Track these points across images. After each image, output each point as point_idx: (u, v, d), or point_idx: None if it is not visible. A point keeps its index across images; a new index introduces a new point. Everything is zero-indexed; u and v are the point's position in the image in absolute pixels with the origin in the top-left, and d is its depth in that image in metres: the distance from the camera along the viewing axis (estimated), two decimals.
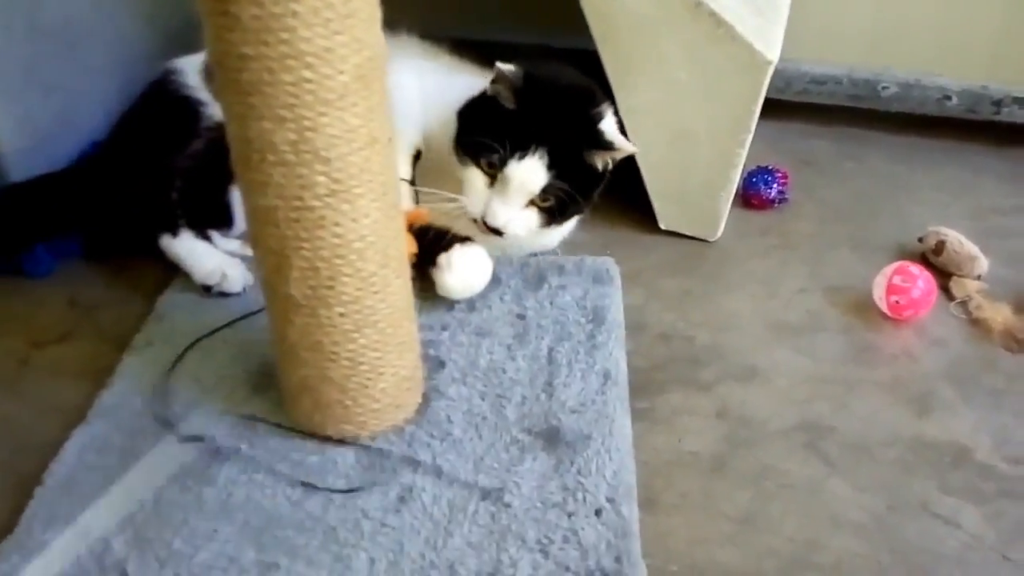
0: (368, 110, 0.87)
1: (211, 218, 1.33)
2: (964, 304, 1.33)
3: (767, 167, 1.58)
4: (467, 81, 1.40)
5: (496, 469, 1.01)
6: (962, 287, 1.35)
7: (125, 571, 0.89)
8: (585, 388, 1.12)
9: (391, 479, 1.00)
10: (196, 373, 1.13)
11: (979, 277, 1.37)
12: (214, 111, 1.31)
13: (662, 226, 1.48)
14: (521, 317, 1.24)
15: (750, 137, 1.38)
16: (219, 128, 1.23)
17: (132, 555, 0.91)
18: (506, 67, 1.23)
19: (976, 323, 1.30)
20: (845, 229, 1.52)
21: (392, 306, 0.98)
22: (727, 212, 1.46)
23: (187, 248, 1.28)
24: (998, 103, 1.74)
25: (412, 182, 1.33)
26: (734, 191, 1.44)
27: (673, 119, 1.37)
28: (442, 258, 1.22)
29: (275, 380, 1.07)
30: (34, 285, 1.33)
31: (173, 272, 1.30)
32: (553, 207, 1.27)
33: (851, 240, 1.49)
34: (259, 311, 1.08)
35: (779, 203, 1.57)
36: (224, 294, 1.27)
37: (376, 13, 0.86)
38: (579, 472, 1.01)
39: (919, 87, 1.76)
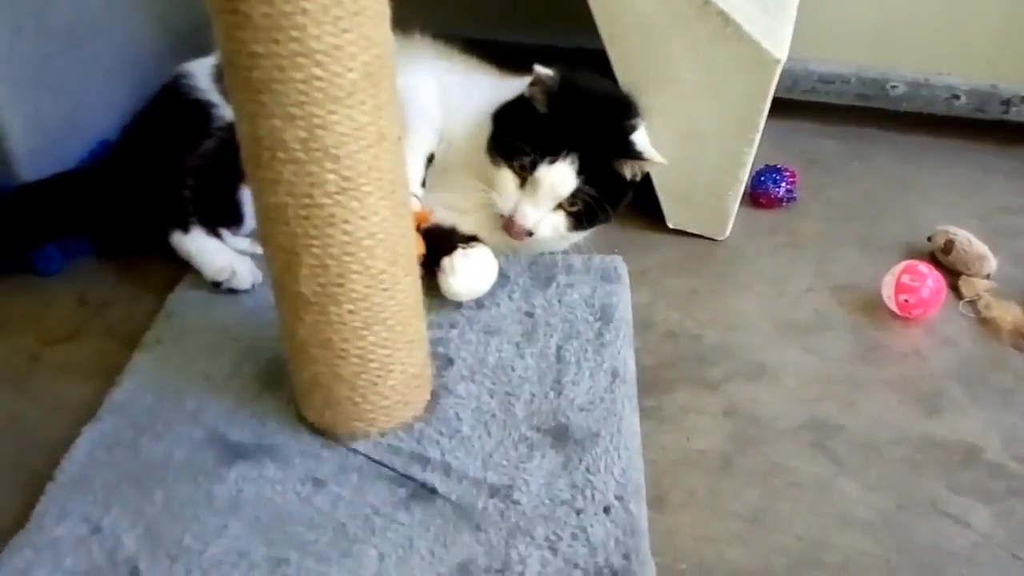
0: (377, 108, 0.87)
1: (222, 216, 1.34)
2: (973, 303, 1.33)
3: (775, 166, 1.58)
4: (487, 82, 1.41)
5: (505, 466, 1.01)
6: (971, 286, 1.35)
7: (136, 567, 0.90)
8: (593, 386, 1.12)
9: (401, 476, 1.00)
10: (207, 370, 1.14)
11: (988, 276, 1.37)
12: (225, 112, 1.33)
13: (670, 225, 1.49)
14: (530, 315, 1.24)
15: (758, 136, 1.37)
16: (230, 128, 1.24)
17: (143, 551, 0.91)
18: (544, 71, 1.25)
19: (985, 322, 1.30)
20: (853, 228, 1.52)
21: (401, 303, 0.98)
22: (735, 211, 1.45)
23: (197, 245, 1.29)
24: (1007, 102, 1.74)
25: (422, 184, 1.33)
26: (742, 190, 1.44)
27: (681, 118, 1.37)
28: (445, 262, 1.23)
29: (285, 377, 1.08)
30: (44, 283, 1.33)
31: (183, 270, 1.31)
32: (581, 212, 1.29)
33: (859, 239, 1.49)
34: None
35: (787, 202, 1.57)
36: (233, 291, 1.27)
37: (385, 11, 0.87)
38: (588, 470, 1.01)
39: (927, 86, 1.76)
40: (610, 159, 1.29)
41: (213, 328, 1.21)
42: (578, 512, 0.96)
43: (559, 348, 1.19)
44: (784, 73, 1.34)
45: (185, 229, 1.29)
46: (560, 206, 1.28)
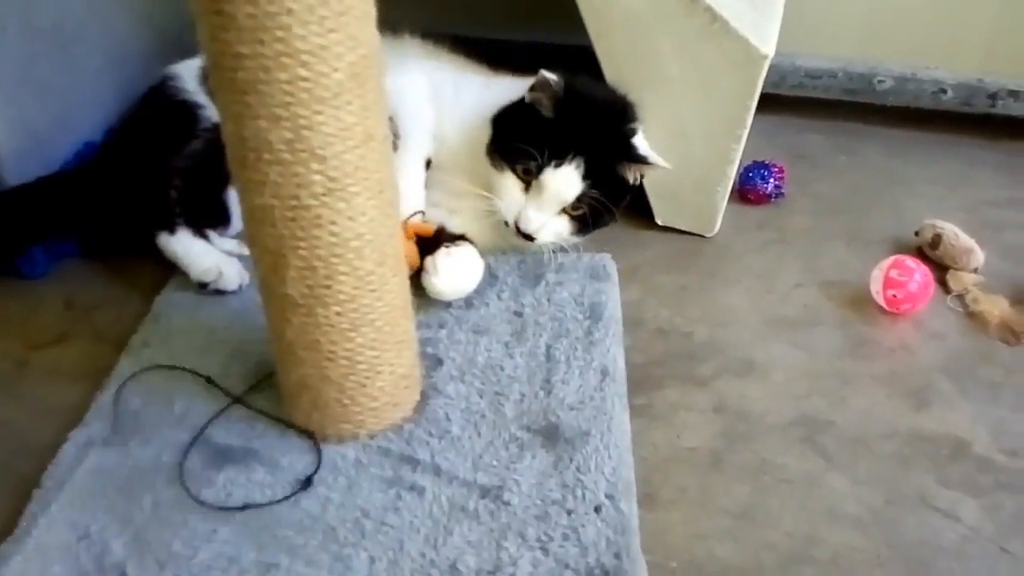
0: (363, 108, 0.87)
1: (208, 217, 1.33)
2: (961, 297, 1.33)
3: (763, 162, 1.58)
4: (478, 81, 1.42)
5: (495, 467, 1.01)
6: (959, 280, 1.35)
7: (125, 572, 0.89)
8: (583, 385, 1.12)
9: (390, 478, 1.00)
10: (194, 372, 1.13)
11: (976, 270, 1.38)
12: (211, 113, 1.32)
13: (659, 222, 1.49)
14: (519, 314, 1.24)
15: (746, 132, 1.38)
16: (216, 130, 1.23)
17: (132, 557, 0.91)
18: (551, 76, 1.25)
19: (973, 316, 1.30)
20: (841, 223, 1.52)
21: (389, 304, 0.98)
22: (724, 207, 1.46)
23: (184, 246, 1.28)
24: (993, 96, 1.75)
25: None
26: (730, 186, 1.44)
27: (669, 115, 1.37)
28: (428, 261, 1.23)
29: (273, 379, 1.07)
30: (30, 286, 1.32)
31: (170, 272, 1.30)
32: (584, 215, 1.29)
33: (847, 234, 1.49)
34: None
35: (775, 198, 1.57)
36: (220, 292, 1.27)
37: (371, 10, 0.86)
38: (578, 469, 1.01)
39: (914, 80, 1.77)
40: (614, 163, 1.30)
41: (201, 330, 1.20)
42: (569, 512, 0.96)
43: (549, 347, 1.18)
44: (771, 68, 1.34)
45: (171, 230, 1.29)
46: (564, 210, 1.29)
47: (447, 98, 1.40)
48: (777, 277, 1.39)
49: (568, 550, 0.92)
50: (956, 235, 1.39)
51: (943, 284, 1.36)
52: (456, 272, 1.24)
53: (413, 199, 1.31)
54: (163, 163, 1.31)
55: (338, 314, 0.95)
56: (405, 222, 1.25)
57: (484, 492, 0.98)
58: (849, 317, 1.31)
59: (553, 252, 1.34)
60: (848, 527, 0.99)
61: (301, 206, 0.88)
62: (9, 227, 1.30)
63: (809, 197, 1.59)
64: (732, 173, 1.43)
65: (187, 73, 1.40)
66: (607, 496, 0.97)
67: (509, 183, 1.29)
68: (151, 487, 0.98)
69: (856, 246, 1.46)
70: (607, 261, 1.35)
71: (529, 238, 1.29)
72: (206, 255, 1.28)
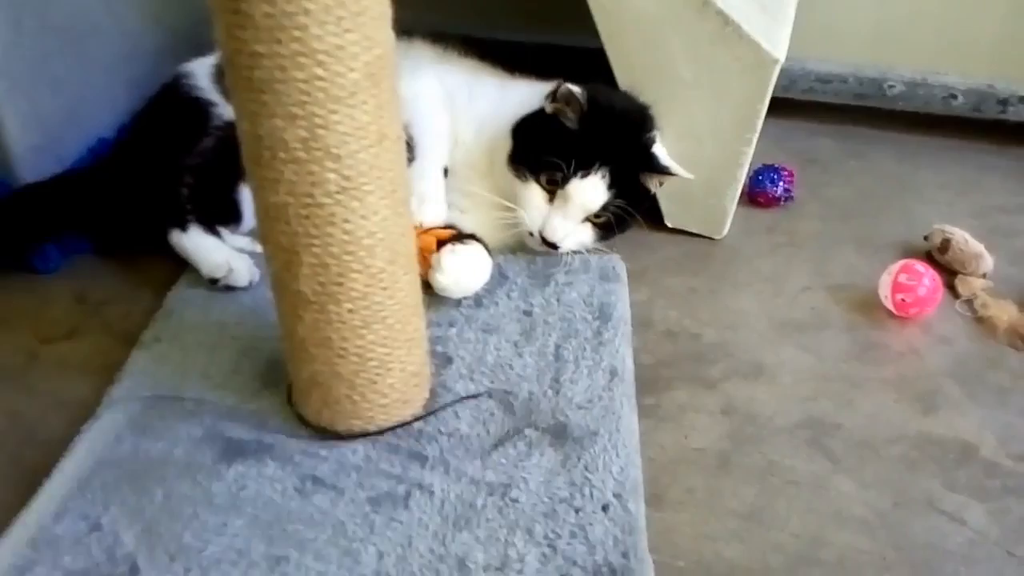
0: (377, 107, 0.87)
1: (220, 214, 1.34)
2: (969, 302, 1.33)
3: (773, 165, 1.58)
4: (492, 83, 1.43)
5: (503, 465, 1.02)
6: (967, 285, 1.35)
7: (135, 565, 0.90)
8: (592, 385, 1.13)
9: (399, 474, 1.00)
10: (206, 369, 1.14)
11: (984, 275, 1.38)
12: (224, 111, 1.33)
13: (668, 224, 1.49)
14: (528, 314, 1.25)
15: (756, 136, 1.38)
16: (228, 127, 1.25)
17: (142, 549, 0.91)
18: (576, 89, 1.26)
19: (981, 321, 1.30)
20: (850, 227, 1.52)
21: (400, 302, 0.99)
22: (733, 210, 1.46)
23: (195, 242, 1.29)
24: (1004, 102, 1.75)
25: None
26: (740, 189, 1.45)
27: (680, 118, 1.38)
28: (433, 258, 1.23)
29: (284, 376, 1.08)
30: (42, 281, 1.33)
31: (181, 268, 1.31)
32: (608, 223, 1.31)
33: (856, 238, 1.49)
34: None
35: (785, 201, 1.57)
36: (231, 288, 1.27)
37: (387, 11, 0.87)
38: (586, 468, 1.01)
39: (925, 86, 1.77)
40: (637, 172, 1.32)
41: (212, 326, 1.21)
42: (577, 510, 0.96)
43: (557, 347, 1.19)
44: (782, 72, 1.34)
45: (183, 227, 1.29)
46: (587, 218, 1.31)
47: (461, 101, 1.41)
48: (786, 280, 1.39)
49: (575, 548, 0.92)
50: (965, 240, 1.40)
51: (952, 289, 1.36)
52: (462, 270, 1.24)
53: (437, 208, 1.31)
54: (175, 161, 1.32)
55: (350, 311, 0.95)
56: (428, 229, 1.26)
57: (492, 489, 0.98)
58: (857, 321, 1.31)
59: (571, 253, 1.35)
60: (855, 529, 0.99)
61: (315, 204, 0.88)
62: (23, 224, 1.31)
63: (819, 201, 1.60)
64: (742, 176, 1.43)
65: (200, 71, 1.41)
66: (615, 495, 0.98)
67: (534, 193, 1.30)
68: (162, 480, 0.99)
69: (865, 250, 1.46)
70: (616, 262, 1.36)
71: (554, 247, 1.31)
72: (217, 252, 1.29)
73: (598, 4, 1.32)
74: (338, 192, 0.88)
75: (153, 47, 1.57)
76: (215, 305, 1.25)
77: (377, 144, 0.89)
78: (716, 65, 1.32)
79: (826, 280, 1.39)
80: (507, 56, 1.52)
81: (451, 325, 1.22)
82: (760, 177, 1.57)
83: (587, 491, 0.98)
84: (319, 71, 0.82)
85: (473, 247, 1.26)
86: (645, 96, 1.37)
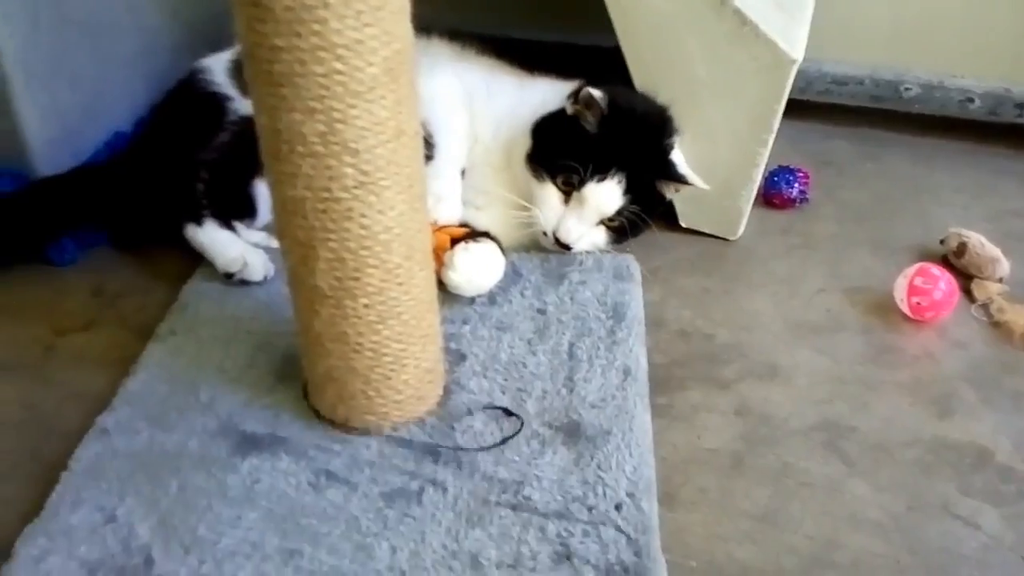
0: (396, 103, 0.87)
1: (236, 209, 1.34)
2: (985, 306, 1.33)
3: (788, 167, 1.58)
4: (510, 82, 1.44)
5: (517, 462, 1.02)
6: (983, 289, 1.35)
7: (150, 556, 0.90)
8: (605, 383, 1.13)
9: (413, 470, 1.00)
10: (221, 363, 1.14)
11: (1001, 279, 1.37)
12: (240, 106, 1.33)
13: (683, 224, 1.49)
14: (542, 312, 1.24)
15: (772, 136, 1.38)
16: (244, 122, 1.25)
17: (157, 540, 0.92)
18: (596, 93, 1.27)
19: (997, 325, 1.30)
20: (866, 229, 1.52)
21: (416, 298, 0.99)
22: (748, 211, 1.46)
23: (211, 237, 1.30)
24: (1021, 105, 1.74)
25: None
26: (755, 190, 1.44)
27: (696, 117, 1.37)
28: (446, 256, 1.23)
29: (300, 370, 1.08)
30: (59, 274, 1.34)
31: (197, 262, 1.31)
32: (622, 226, 1.32)
33: (871, 241, 1.49)
34: None
35: (800, 203, 1.57)
36: (245, 282, 1.28)
37: (406, 6, 0.87)
38: (599, 466, 1.01)
39: (941, 89, 1.76)
40: (654, 179, 1.32)
41: (227, 320, 1.21)
42: (590, 509, 0.96)
43: (571, 345, 1.19)
44: (798, 74, 1.34)
45: (199, 222, 1.30)
46: (601, 221, 1.31)
47: (480, 99, 1.42)
48: (801, 282, 1.39)
49: (588, 546, 0.92)
50: (981, 244, 1.39)
51: (968, 293, 1.35)
52: (474, 268, 1.24)
53: (452, 207, 1.32)
54: (191, 155, 1.32)
55: (366, 306, 0.95)
56: (443, 227, 1.26)
57: (505, 487, 0.98)
58: (873, 324, 1.30)
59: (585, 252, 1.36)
60: (869, 533, 0.99)
61: (332, 199, 0.89)
62: (40, 216, 1.31)
63: (834, 203, 1.59)
64: (757, 177, 1.43)
65: (217, 66, 1.41)
66: (628, 494, 0.98)
67: (549, 194, 1.31)
68: (177, 472, 0.99)
69: (881, 253, 1.45)
70: (630, 262, 1.35)
71: (566, 248, 1.32)
72: (232, 246, 1.29)
73: (615, 3, 1.32)
74: (355, 187, 0.88)
75: (171, 42, 1.57)
76: (230, 299, 1.26)
77: (395, 139, 0.89)
78: (733, 65, 1.32)
79: (841, 282, 1.39)
80: (524, 55, 1.52)
81: (465, 322, 1.22)
82: (775, 178, 1.56)
83: (600, 490, 0.98)
84: (338, 65, 0.82)
85: (486, 245, 1.26)
86: (661, 96, 1.37)
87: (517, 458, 1.02)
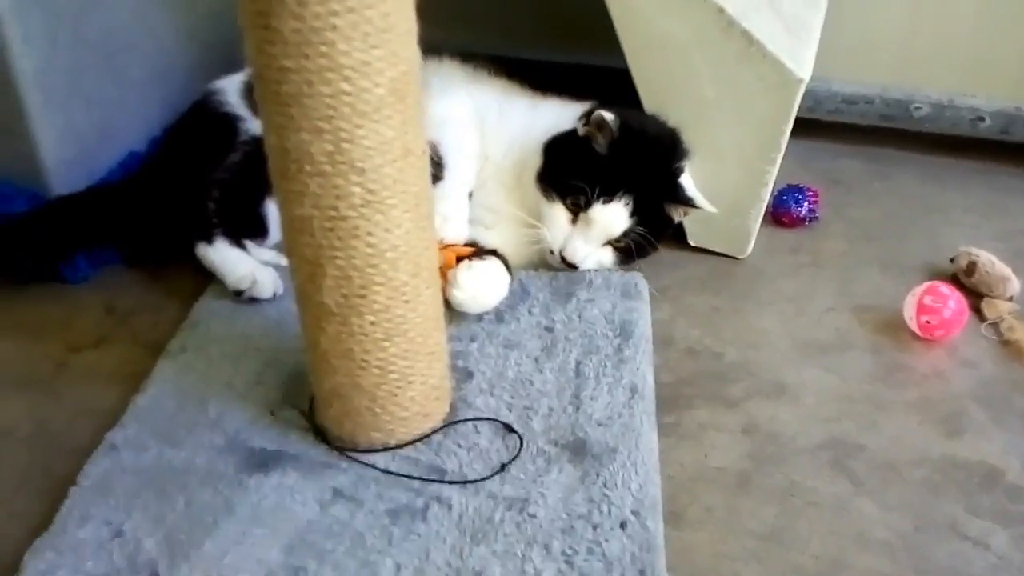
0: (403, 123, 0.88)
1: (246, 228, 1.35)
2: (995, 325, 1.32)
3: (798, 185, 1.58)
4: (522, 104, 1.45)
5: (522, 480, 1.02)
6: (994, 308, 1.34)
7: (156, 572, 0.91)
8: (612, 401, 1.13)
9: (418, 487, 1.01)
10: (229, 379, 1.15)
11: (1011, 298, 1.36)
12: (251, 126, 1.35)
13: (691, 242, 1.49)
14: (549, 330, 1.25)
15: (780, 155, 1.38)
16: (256, 142, 1.26)
17: (163, 555, 0.92)
18: (608, 116, 1.28)
19: (1007, 344, 1.29)
20: (875, 248, 1.52)
21: (422, 315, 0.99)
22: (757, 230, 1.46)
23: (221, 255, 1.31)
24: None
25: None
26: (764, 209, 1.45)
27: (704, 137, 1.38)
28: (450, 274, 1.24)
29: (307, 387, 1.09)
30: (72, 291, 1.36)
31: (208, 280, 1.32)
32: (628, 248, 1.33)
33: (881, 259, 1.48)
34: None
35: (809, 221, 1.57)
36: (255, 299, 1.29)
37: (413, 28, 0.88)
38: (605, 485, 1.01)
39: (952, 108, 1.76)
40: (662, 201, 1.33)
41: (237, 337, 1.22)
42: (594, 527, 0.96)
43: (578, 363, 1.19)
44: (808, 93, 1.34)
45: (209, 240, 1.31)
46: (608, 242, 1.32)
47: (491, 119, 1.43)
48: (810, 301, 1.39)
49: (593, 564, 0.92)
50: (992, 263, 1.38)
51: (978, 312, 1.35)
52: (478, 286, 1.25)
53: (459, 227, 1.33)
54: (203, 175, 1.34)
55: (372, 324, 0.96)
56: (448, 246, 1.27)
57: (510, 504, 0.98)
58: (882, 342, 1.30)
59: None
60: (876, 552, 0.98)
61: (339, 217, 0.90)
62: (54, 234, 1.33)
63: (844, 222, 1.59)
64: (766, 196, 1.43)
65: (230, 87, 1.43)
66: (633, 512, 0.98)
67: (557, 213, 1.31)
68: (184, 488, 1.00)
69: (890, 272, 1.45)
70: (639, 280, 1.35)
71: (572, 267, 1.33)
72: (242, 264, 1.31)
73: (623, 24, 1.33)
74: (362, 205, 0.89)
75: (186, 64, 1.59)
76: (240, 317, 1.27)
77: (402, 159, 0.90)
78: (740, 85, 1.33)
79: (850, 301, 1.38)
80: (535, 76, 1.54)
81: (472, 340, 1.22)
82: (784, 197, 1.56)
83: (605, 508, 0.98)
84: (345, 86, 0.83)
85: (490, 263, 1.27)
86: (670, 116, 1.38)
87: (523, 476, 1.02)
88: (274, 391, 1.13)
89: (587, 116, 1.31)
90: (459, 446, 1.06)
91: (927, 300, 1.27)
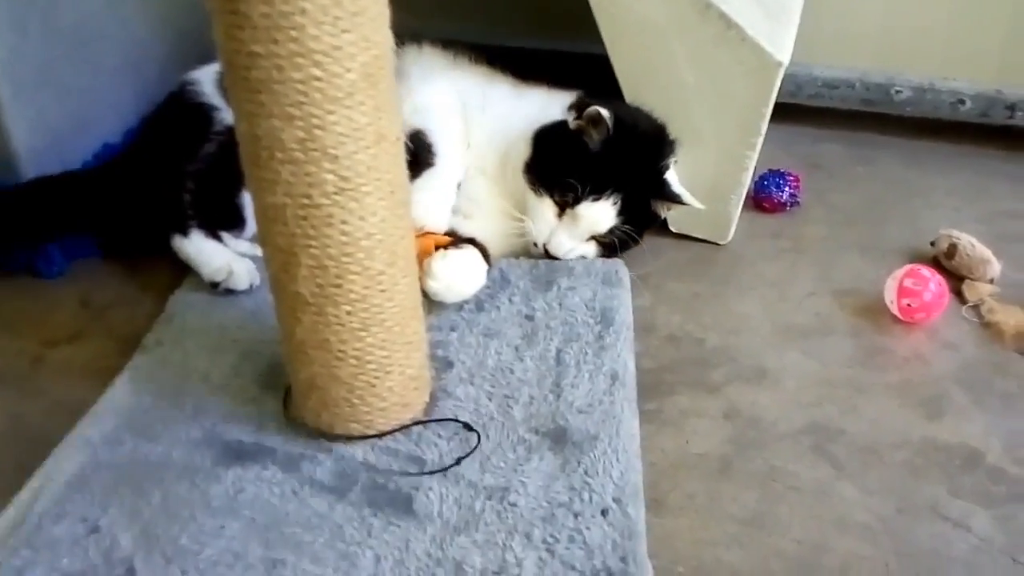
0: (375, 108, 0.87)
1: (222, 219, 1.34)
2: (976, 308, 1.32)
3: (779, 170, 1.58)
4: (504, 91, 1.45)
5: (502, 468, 1.01)
6: (974, 291, 1.34)
7: (132, 567, 0.90)
8: (593, 389, 1.12)
9: (398, 478, 1.00)
10: (206, 372, 1.14)
11: (992, 281, 1.37)
12: (227, 116, 1.33)
13: (673, 229, 1.48)
14: (529, 318, 1.24)
15: (760, 140, 1.37)
16: (231, 133, 1.24)
17: (139, 551, 0.91)
18: (605, 112, 1.26)
19: (988, 327, 1.29)
20: (856, 232, 1.51)
21: (399, 305, 0.98)
22: (738, 215, 1.45)
23: (197, 247, 1.30)
24: (1012, 107, 1.74)
25: None
26: (744, 194, 1.44)
27: (683, 122, 1.37)
28: (425, 263, 1.23)
29: (284, 378, 1.08)
30: (46, 285, 1.34)
31: (184, 273, 1.31)
32: (612, 243, 1.33)
33: (862, 243, 1.48)
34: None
35: (791, 206, 1.57)
36: (231, 291, 1.28)
37: (384, 12, 0.87)
38: (586, 472, 1.00)
39: (932, 91, 1.76)
40: (649, 198, 1.33)
41: (213, 330, 1.21)
42: (575, 514, 0.95)
43: (559, 351, 1.18)
44: (789, 78, 1.34)
45: (185, 232, 1.30)
46: (592, 237, 1.32)
47: (474, 107, 1.42)
48: (791, 285, 1.39)
49: (574, 552, 0.91)
50: (972, 245, 1.38)
51: (958, 295, 1.35)
52: (452, 275, 1.23)
53: (440, 216, 1.31)
54: (178, 166, 1.33)
55: (348, 313, 0.95)
56: (425, 233, 1.26)
57: (490, 493, 0.98)
58: (862, 326, 1.30)
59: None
60: (858, 536, 0.98)
61: (313, 205, 0.88)
62: (28, 217, 1.31)
63: (825, 206, 1.59)
64: (746, 181, 1.42)
65: (205, 78, 1.42)
66: (614, 500, 0.97)
67: (544, 207, 1.31)
68: (160, 482, 0.98)
69: (871, 256, 1.45)
70: (619, 267, 1.35)
71: (554, 258, 1.33)
72: (217, 255, 1.29)
73: (601, 9, 1.32)
74: (336, 193, 0.88)
75: (160, 54, 1.57)
76: (217, 309, 1.25)
77: (375, 145, 0.88)
78: (719, 69, 1.32)
79: (831, 285, 1.38)
80: (516, 63, 1.53)
81: (452, 329, 1.21)
82: (766, 182, 1.56)
83: (586, 495, 0.98)
84: (316, 71, 0.82)
85: (466, 252, 1.26)
86: (649, 101, 1.37)
87: (503, 464, 1.02)
88: (251, 383, 1.12)
89: (578, 108, 1.30)
90: (439, 436, 1.05)
91: (908, 283, 1.27)
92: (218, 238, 1.32)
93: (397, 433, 1.05)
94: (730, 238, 1.47)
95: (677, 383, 1.19)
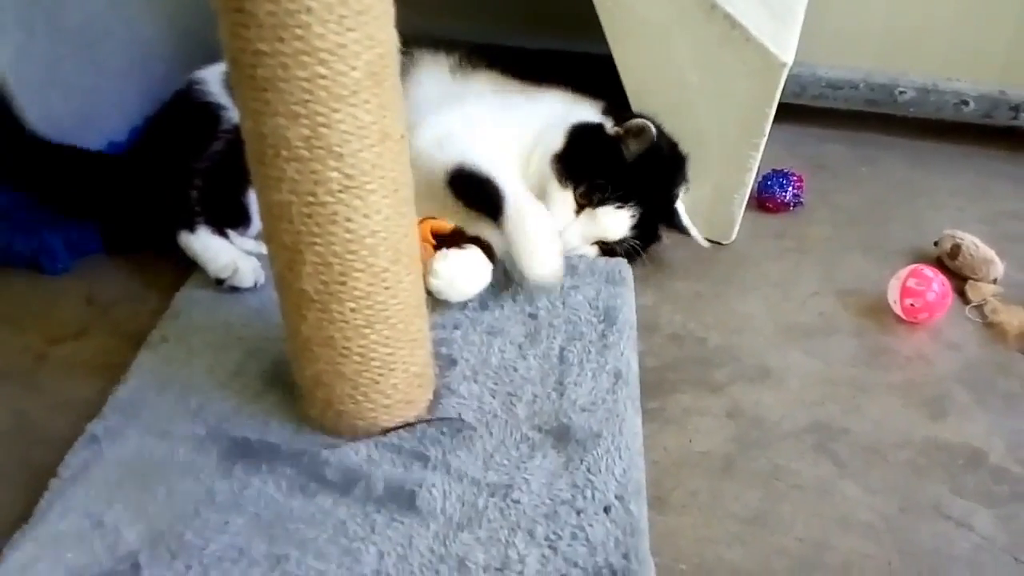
0: (380, 107, 0.88)
1: (229, 217, 1.35)
2: (979, 308, 1.32)
3: (782, 170, 1.58)
4: (519, 98, 1.45)
5: (506, 466, 1.01)
6: (978, 291, 1.34)
7: (137, 562, 0.90)
8: (596, 387, 1.12)
9: (401, 474, 1.00)
10: (211, 369, 1.14)
11: (995, 281, 1.37)
12: (234, 115, 1.34)
13: None
14: (533, 316, 1.24)
15: (764, 140, 1.37)
16: (238, 131, 1.25)
17: (144, 546, 0.91)
18: (651, 128, 1.28)
19: (991, 327, 1.29)
20: (859, 233, 1.52)
21: (403, 302, 0.99)
22: (741, 215, 1.46)
23: (203, 244, 1.30)
24: (1016, 108, 1.74)
25: None
26: (748, 194, 1.44)
27: (687, 121, 1.37)
28: (428, 262, 1.23)
29: (288, 375, 1.08)
30: (51, 282, 1.35)
31: (190, 270, 1.31)
32: (612, 251, 1.35)
33: (865, 244, 1.48)
34: None
35: (794, 206, 1.57)
36: (236, 288, 1.28)
37: (389, 10, 0.87)
38: (588, 470, 1.00)
39: (936, 92, 1.76)
40: (658, 221, 1.36)
41: (219, 327, 1.21)
42: (578, 512, 0.96)
43: (562, 349, 1.19)
44: (793, 78, 1.34)
45: (191, 229, 1.30)
46: (598, 241, 1.34)
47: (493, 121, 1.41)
48: (794, 285, 1.39)
49: (576, 549, 0.92)
50: (976, 245, 1.39)
51: (962, 295, 1.35)
52: (454, 275, 1.24)
53: (555, 262, 1.24)
54: (185, 163, 1.33)
55: (353, 310, 0.95)
56: (422, 221, 1.26)
57: (494, 490, 0.98)
58: (866, 326, 1.30)
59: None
60: (860, 534, 0.99)
61: (318, 202, 0.89)
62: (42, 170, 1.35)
63: (828, 207, 1.59)
64: (750, 181, 1.43)
65: (212, 77, 1.43)
66: (617, 497, 0.97)
67: (565, 199, 1.32)
68: (165, 478, 0.99)
69: (874, 256, 1.45)
70: (623, 266, 1.35)
71: None
72: (223, 252, 1.30)
73: (605, 8, 1.32)
74: (340, 191, 0.88)
75: (165, 53, 1.58)
76: (222, 306, 1.26)
77: (380, 143, 0.89)
78: (723, 69, 1.32)
79: (835, 285, 1.38)
80: (521, 65, 1.53)
81: (456, 327, 1.22)
82: (769, 182, 1.56)
83: (589, 493, 0.98)
84: (321, 70, 0.82)
85: (469, 252, 1.26)
86: (652, 101, 1.37)
87: (506, 462, 1.02)
88: (256, 380, 1.12)
89: (617, 116, 1.33)
90: (443, 433, 1.05)
91: (911, 283, 1.27)
92: (224, 235, 1.33)
93: (401, 430, 1.05)
94: (733, 238, 1.48)
95: (680, 382, 1.19)
